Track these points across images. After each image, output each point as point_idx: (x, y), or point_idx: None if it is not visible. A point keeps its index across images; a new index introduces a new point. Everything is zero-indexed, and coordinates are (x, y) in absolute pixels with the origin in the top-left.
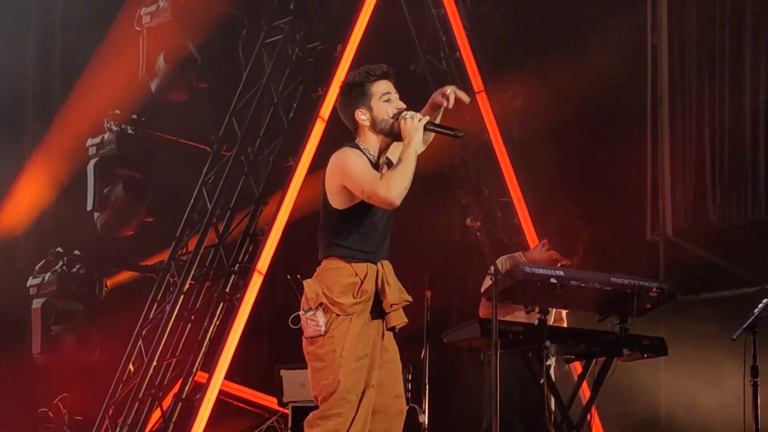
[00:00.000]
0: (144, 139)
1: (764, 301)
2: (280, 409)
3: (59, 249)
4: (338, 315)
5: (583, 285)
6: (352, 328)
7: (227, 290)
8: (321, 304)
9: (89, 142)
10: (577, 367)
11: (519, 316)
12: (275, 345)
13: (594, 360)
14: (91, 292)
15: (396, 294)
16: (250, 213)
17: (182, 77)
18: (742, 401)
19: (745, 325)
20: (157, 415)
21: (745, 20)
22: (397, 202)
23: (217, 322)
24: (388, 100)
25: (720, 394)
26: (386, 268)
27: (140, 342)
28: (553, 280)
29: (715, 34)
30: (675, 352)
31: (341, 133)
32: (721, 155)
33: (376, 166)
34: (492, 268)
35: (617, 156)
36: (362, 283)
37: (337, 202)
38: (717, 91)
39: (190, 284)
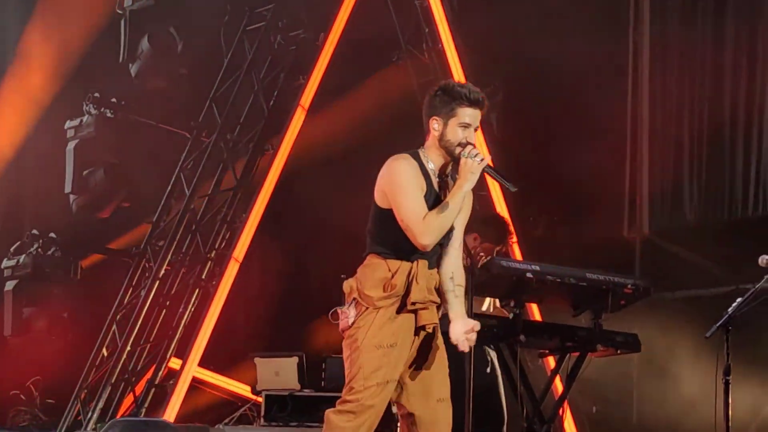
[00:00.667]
0: (123, 123)
1: (738, 300)
2: (254, 397)
3: (35, 231)
4: (367, 308)
5: (558, 280)
6: (377, 319)
7: (203, 277)
8: (354, 299)
9: (68, 124)
10: (550, 362)
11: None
12: (250, 333)
13: (567, 355)
14: (66, 276)
15: (422, 293)
16: (228, 200)
17: (163, 62)
18: (713, 399)
19: (718, 324)
20: (129, 400)
21: (726, 19)
22: (430, 248)
23: (192, 309)
24: (465, 127)
25: (692, 391)
26: (421, 267)
27: (114, 326)
28: (528, 275)
29: (696, 34)
30: (648, 348)
31: (322, 123)
32: (699, 154)
33: (429, 177)
34: (468, 260)
35: (596, 153)
36: (393, 277)
37: (382, 201)
38: (696, 91)
39: (165, 270)
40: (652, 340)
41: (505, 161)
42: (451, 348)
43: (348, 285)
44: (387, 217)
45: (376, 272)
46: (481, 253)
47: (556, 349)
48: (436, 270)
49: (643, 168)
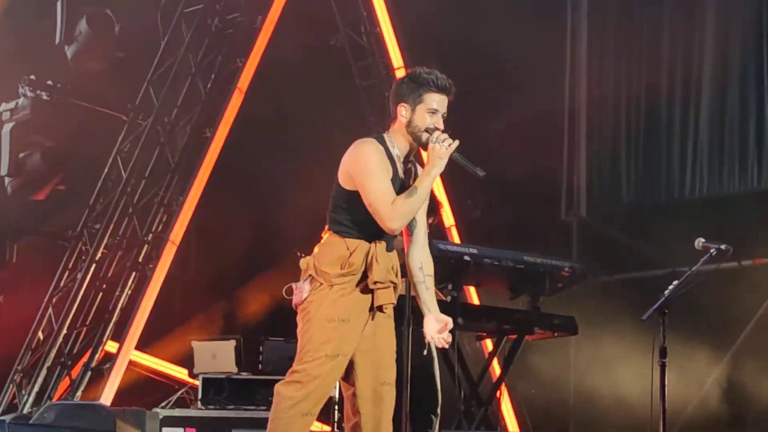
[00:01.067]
0: (59, 105)
1: (674, 282)
2: (191, 380)
3: None
4: (322, 284)
5: (496, 263)
6: (331, 294)
7: (140, 260)
8: (309, 275)
9: (3, 107)
10: (488, 344)
11: None
12: (187, 316)
13: (505, 338)
14: (1, 258)
15: (383, 273)
16: (165, 183)
17: (100, 45)
18: (650, 381)
19: (654, 307)
20: (65, 383)
21: (663, 2)
22: (398, 232)
23: (129, 292)
24: (432, 114)
25: (629, 373)
26: (379, 248)
27: (50, 309)
28: (466, 258)
29: (633, 17)
30: (585, 331)
31: (259, 106)
32: (636, 138)
33: (394, 162)
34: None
35: (533, 136)
36: (350, 256)
37: (346, 183)
38: (634, 73)
39: (102, 253)
40: (590, 323)
41: None
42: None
43: (305, 262)
44: (350, 198)
45: (334, 250)
46: None
47: (493, 332)
48: (394, 252)
49: (581, 151)
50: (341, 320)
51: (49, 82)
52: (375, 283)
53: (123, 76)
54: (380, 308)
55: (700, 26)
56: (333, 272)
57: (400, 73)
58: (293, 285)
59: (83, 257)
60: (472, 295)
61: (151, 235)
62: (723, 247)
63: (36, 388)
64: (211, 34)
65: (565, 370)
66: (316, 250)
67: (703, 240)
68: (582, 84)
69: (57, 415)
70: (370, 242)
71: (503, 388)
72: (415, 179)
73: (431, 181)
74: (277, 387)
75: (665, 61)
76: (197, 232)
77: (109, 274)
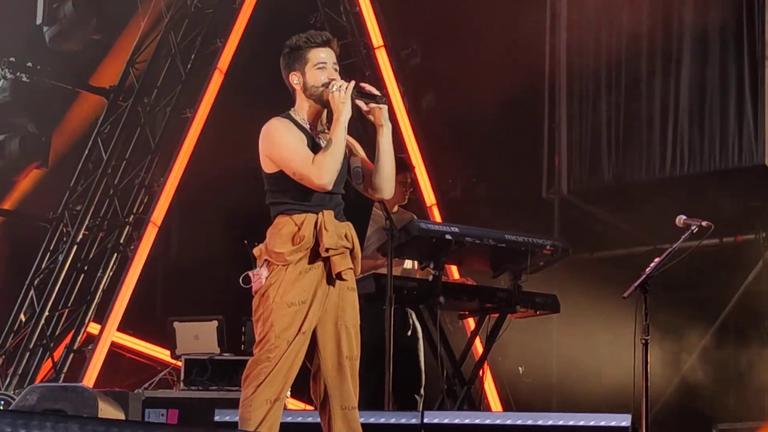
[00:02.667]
0: (39, 87)
1: (656, 260)
2: (173, 362)
3: None
4: (279, 266)
5: (477, 241)
6: (288, 275)
7: (121, 241)
8: (265, 260)
9: None
10: (470, 323)
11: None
12: (169, 297)
13: (487, 316)
14: None
15: (333, 239)
16: (146, 164)
17: (80, 26)
18: (632, 359)
19: (636, 284)
20: (48, 365)
21: None
22: (330, 186)
23: (111, 274)
24: (322, 68)
25: (612, 351)
26: (327, 216)
27: (32, 292)
28: (447, 237)
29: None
30: (568, 309)
31: (239, 85)
32: (617, 114)
33: (309, 134)
34: (387, 222)
35: (514, 114)
36: (300, 229)
37: (268, 167)
38: (614, 51)
39: (83, 234)
40: (572, 301)
41: (423, 122)
42: (374, 312)
43: (258, 249)
44: (279, 179)
45: (283, 229)
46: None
47: (475, 311)
48: (346, 222)
49: (561, 128)
50: (302, 302)
51: (29, 64)
52: (327, 250)
53: (103, 58)
54: (339, 276)
55: (680, 5)
56: (286, 250)
57: (380, 52)
58: (249, 273)
59: (64, 239)
60: (454, 274)
61: (132, 217)
62: (704, 224)
63: (18, 371)
64: (190, 14)
65: (547, 349)
66: (267, 234)
67: (684, 217)
68: (562, 60)
69: (40, 397)
70: (317, 214)
71: (486, 367)
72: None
73: (342, 128)
74: (244, 376)
75: (645, 38)
76: (179, 213)
77: (91, 256)
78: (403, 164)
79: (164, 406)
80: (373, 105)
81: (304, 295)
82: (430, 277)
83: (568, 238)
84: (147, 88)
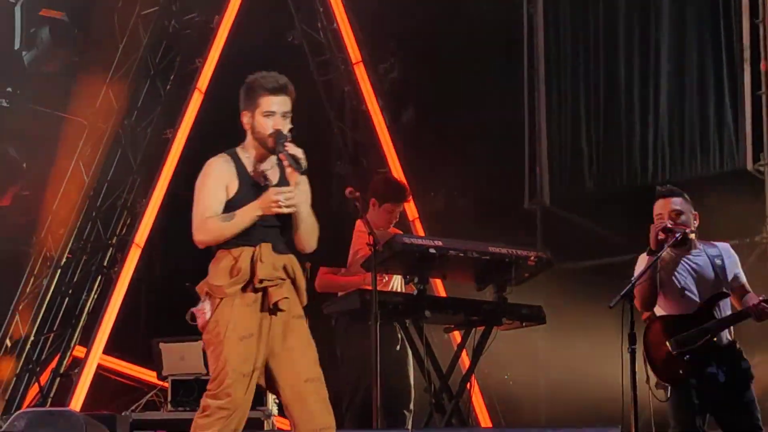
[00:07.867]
0: (19, 111)
1: (641, 269)
2: (160, 382)
3: None
4: (221, 299)
5: (461, 254)
6: (235, 309)
7: (105, 263)
8: (207, 294)
9: None
10: (456, 336)
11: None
12: (154, 318)
13: (473, 329)
14: None
15: (268, 270)
16: (128, 185)
17: (60, 50)
18: (620, 368)
19: (622, 294)
20: (34, 390)
21: None
22: (201, 245)
23: (95, 296)
24: (270, 116)
25: (598, 361)
26: (264, 249)
27: (17, 317)
28: (431, 251)
29: (588, 7)
30: (553, 320)
31: (219, 106)
32: (596, 124)
33: (245, 175)
34: (371, 238)
35: (494, 125)
36: (237, 262)
37: None
38: (592, 60)
39: (67, 257)
40: (557, 311)
41: (403, 136)
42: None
43: (200, 286)
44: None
45: (221, 263)
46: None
47: (461, 324)
48: (286, 254)
49: (542, 138)
50: (251, 335)
51: (9, 89)
52: (261, 281)
53: (82, 80)
54: (276, 306)
55: (656, 9)
56: (225, 282)
57: (358, 68)
58: (193, 310)
59: (48, 263)
60: (439, 288)
61: (115, 238)
62: (687, 230)
63: (6, 396)
64: (168, 35)
65: (534, 360)
66: (208, 270)
67: (668, 223)
68: (540, 71)
69: (27, 423)
70: (253, 247)
71: (473, 379)
72: (284, 175)
73: (252, 217)
74: (196, 419)
75: (623, 47)
76: (162, 234)
77: (75, 279)
78: (398, 195)
79: (152, 427)
80: (290, 167)
81: (252, 329)
82: (415, 292)
83: (551, 247)
84: (127, 110)
